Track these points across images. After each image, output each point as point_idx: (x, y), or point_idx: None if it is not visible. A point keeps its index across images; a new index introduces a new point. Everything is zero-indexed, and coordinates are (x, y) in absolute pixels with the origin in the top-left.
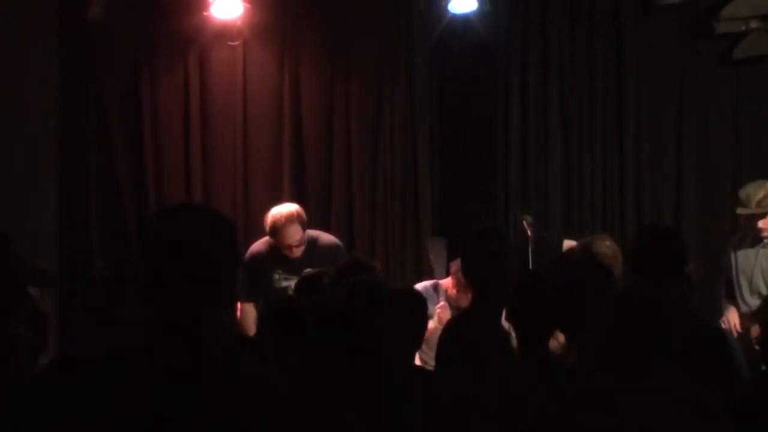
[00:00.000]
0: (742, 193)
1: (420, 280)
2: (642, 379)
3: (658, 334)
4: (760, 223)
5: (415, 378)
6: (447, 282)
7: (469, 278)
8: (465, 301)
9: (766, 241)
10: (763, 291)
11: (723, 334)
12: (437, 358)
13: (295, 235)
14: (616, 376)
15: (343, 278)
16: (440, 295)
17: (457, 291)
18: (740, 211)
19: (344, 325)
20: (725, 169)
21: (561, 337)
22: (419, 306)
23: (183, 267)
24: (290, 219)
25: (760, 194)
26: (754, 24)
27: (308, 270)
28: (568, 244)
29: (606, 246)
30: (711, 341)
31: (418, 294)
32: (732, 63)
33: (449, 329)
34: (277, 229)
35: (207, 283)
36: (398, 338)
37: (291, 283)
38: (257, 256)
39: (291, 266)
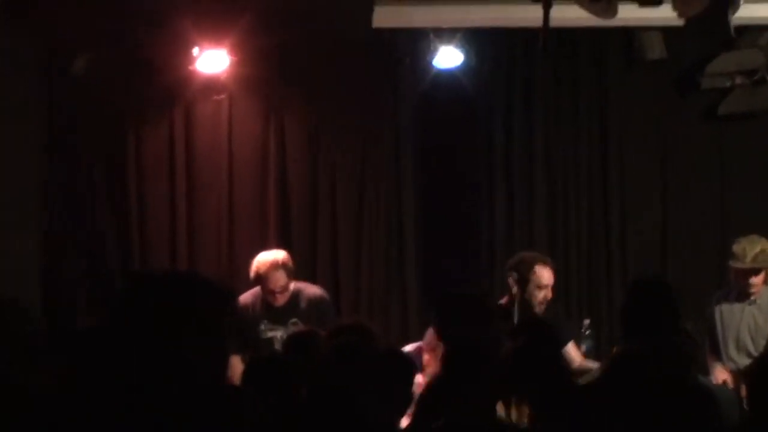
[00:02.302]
0: (737, 247)
1: (405, 336)
2: None
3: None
4: (753, 279)
5: None
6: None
7: (444, 343)
8: (435, 366)
9: (753, 298)
10: (751, 348)
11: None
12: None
13: (279, 280)
14: None
15: (335, 337)
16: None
17: (429, 356)
18: (735, 264)
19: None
20: (710, 225)
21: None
22: (406, 369)
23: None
24: (275, 265)
25: (756, 249)
26: (739, 80)
27: (297, 324)
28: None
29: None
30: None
31: (406, 357)
32: (717, 118)
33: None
34: (261, 274)
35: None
36: (383, 401)
37: (276, 334)
38: (243, 309)
39: (276, 316)
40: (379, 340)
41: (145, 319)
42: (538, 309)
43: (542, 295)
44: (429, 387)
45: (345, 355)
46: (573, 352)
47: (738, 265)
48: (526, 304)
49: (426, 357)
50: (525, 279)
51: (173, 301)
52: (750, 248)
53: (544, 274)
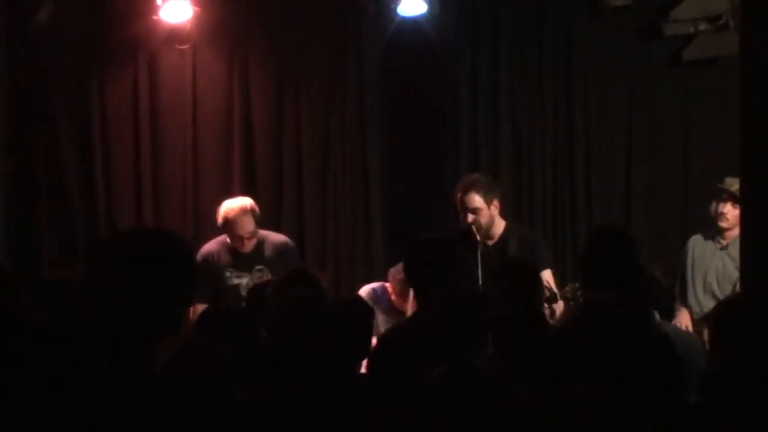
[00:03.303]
0: (728, 178)
1: (370, 280)
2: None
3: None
4: (730, 208)
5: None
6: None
7: (416, 287)
8: (405, 306)
9: (726, 243)
10: (717, 292)
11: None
12: (371, 366)
13: (247, 226)
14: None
15: (285, 289)
16: (387, 297)
17: (398, 296)
18: (720, 185)
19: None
20: (675, 171)
21: None
22: (365, 315)
23: (133, 290)
24: (243, 210)
25: None
26: (702, 26)
27: (262, 271)
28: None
29: None
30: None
31: (362, 303)
32: (681, 65)
33: (386, 339)
34: (229, 220)
35: (156, 306)
36: (344, 348)
37: (242, 281)
38: (208, 257)
39: (241, 263)
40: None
41: (118, 272)
42: (479, 236)
43: (470, 219)
44: (407, 335)
45: (302, 309)
46: (548, 276)
47: (723, 185)
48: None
49: (394, 298)
50: (460, 208)
51: (144, 253)
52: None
53: (466, 200)
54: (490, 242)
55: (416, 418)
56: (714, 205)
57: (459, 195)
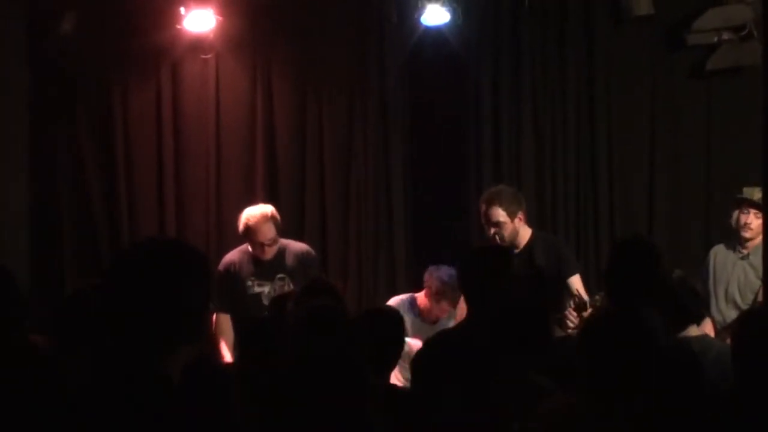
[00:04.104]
0: (748, 189)
1: (393, 290)
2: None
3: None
4: (752, 218)
5: (388, 398)
6: (421, 295)
7: (468, 294)
8: (438, 312)
9: (747, 252)
10: (738, 301)
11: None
12: (416, 376)
13: (268, 233)
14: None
15: (305, 300)
16: (415, 312)
17: (430, 303)
18: (741, 195)
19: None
20: (697, 180)
21: None
22: (396, 325)
23: (151, 303)
24: (264, 217)
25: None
26: (725, 36)
27: (284, 280)
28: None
29: None
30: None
31: (393, 312)
32: (704, 75)
33: (433, 345)
34: (250, 228)
35: (175, 318)
36: (374, 358)
37: (264, 289)
38: (230, 266)
39: (263, 271)
40: (341, 296)
41: (135, 281)
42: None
43: (492, 232)
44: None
45: (326, 321)
46: (577, 283)
47: (745, 195)
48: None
49: (422, 307)
50: (484, 221)
51: (159, 262)
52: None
53: (490, 215)
54: (516, 250)
55: None
56: (736, 214)
57: (483, 208)
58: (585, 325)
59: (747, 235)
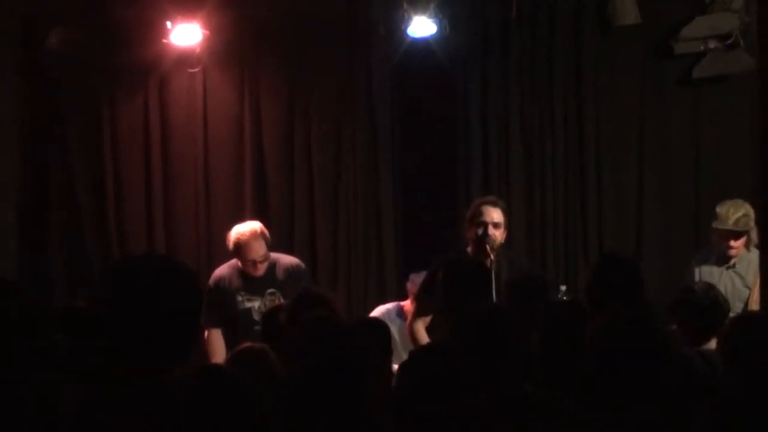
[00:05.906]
0: (721, 209)
1: (382, 298)
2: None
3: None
4: (733, 242)
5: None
6: (407, 303)
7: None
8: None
9: (732, 261)
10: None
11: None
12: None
13: (259, 250)
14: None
15: (298, 313)
16: (403, 318)
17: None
18: (717, 225)
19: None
20: (685, 187)
21: None
22: (382, 336)
23: (142, 319)
24: (254, 235)
25: (740, 213)
26: (712, 44)
27: (274, 295)
28: None
29: None
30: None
31: (379, 323)
32: (691, 83)
33: (417, 359)
34: (240, 245)
35: (166, 334)
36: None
37: (254, 304)
38: (220, 281)
39: (253, 286)
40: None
41: (124, 297)
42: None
43: (489, 232)
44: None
45: (318, 331)
46: None
47: (720, 226)
48: (482, 251)
49: (409, 318)
50: (477, 222)
51: (148, 278)
52: (734, 211)
53: (492, 213)
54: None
55: None
56: (715, 240)
57: (482, 207)
58: (597, 333)
59: (732, 253)
